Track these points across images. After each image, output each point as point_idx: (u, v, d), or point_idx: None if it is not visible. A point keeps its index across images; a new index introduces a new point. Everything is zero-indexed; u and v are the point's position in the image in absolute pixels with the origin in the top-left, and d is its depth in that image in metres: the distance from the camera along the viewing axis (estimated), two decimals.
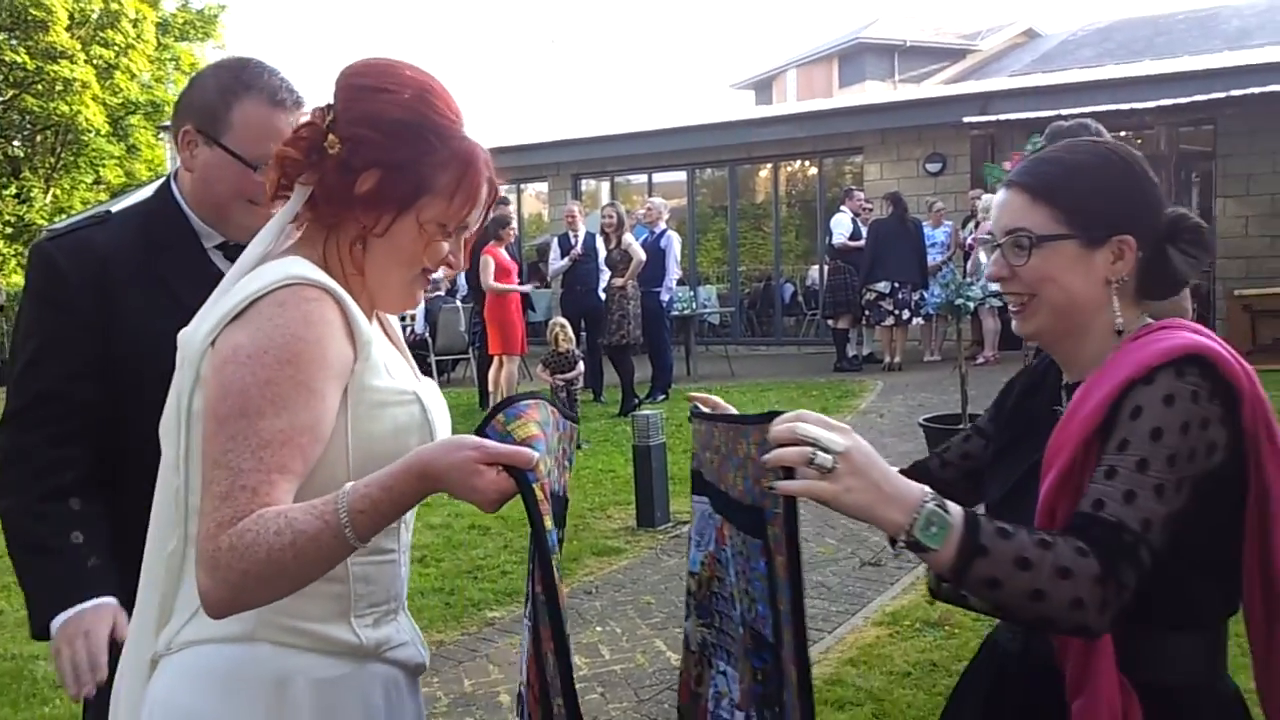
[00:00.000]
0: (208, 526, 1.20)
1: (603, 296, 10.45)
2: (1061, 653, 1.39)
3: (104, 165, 23.26)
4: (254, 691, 1.30)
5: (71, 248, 1.81)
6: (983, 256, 1.70)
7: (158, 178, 17.60)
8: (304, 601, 1.29)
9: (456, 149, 1.36)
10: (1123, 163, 1.47)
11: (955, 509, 1.24)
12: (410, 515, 1.43)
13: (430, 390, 1.45)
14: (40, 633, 1.75)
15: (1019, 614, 1.26)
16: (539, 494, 1.23)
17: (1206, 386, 1.32)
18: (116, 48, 22.98)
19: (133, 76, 23.58)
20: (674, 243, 11.26)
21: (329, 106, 1.37)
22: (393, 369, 1.39)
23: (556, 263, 10.90)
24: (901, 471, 1.68)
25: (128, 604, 1.81)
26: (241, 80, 1.80)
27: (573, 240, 10.61)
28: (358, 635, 1.37)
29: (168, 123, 16.90)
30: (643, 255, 10.38)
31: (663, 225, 11.10)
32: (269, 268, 1.32)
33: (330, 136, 1.34)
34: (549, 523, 1.25)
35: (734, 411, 1.57)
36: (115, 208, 1.96)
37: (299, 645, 1.32)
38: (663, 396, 10.47)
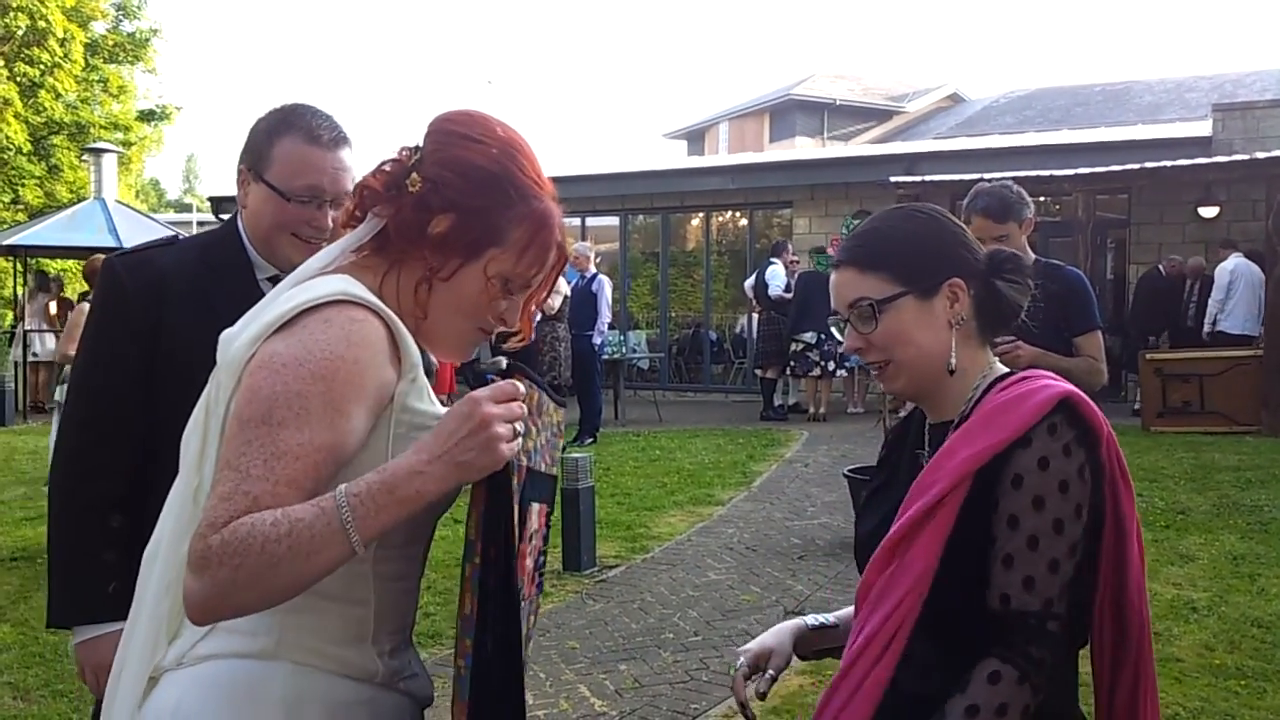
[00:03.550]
0: (201, 526, 1.16)
1: (533, 336, 10.46)
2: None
3: (23, 185, 22.61)
4: (263, 711, 1.27)
5: (134, 263, 2.00)
6: (836, 333, 1.75)
7: (79, 200, 17.23)
8: (328, 621, 1.29)
9: (534, 208, 1.38)
10: (928, 218, 1.58)
11: None
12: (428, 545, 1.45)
13: None
14: (54, 625, 2.00)
15: None
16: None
17: (1072, 434, 1.40)
18: (42, 66, 22.49)
19: (58, 96, 23.04)
20: (605, 287, 11.36)
21: (417, 147, 1.40)
22: (430, 395, 1.39)
23: None
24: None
25: None
26: (286, 120, 1.95)
27: None
28: (376, 661, 1.35)
29: (92, 144, 16.61)
30: (566, 291, 10.50)
31: (593, 269, 11.19)
32: (319, 282, 1.33)
33: (414, 175, 1.36)
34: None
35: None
36: (180, 235, 2.18)
37: (319, 666, 1.30)
38: (590, 440, 10.50)
